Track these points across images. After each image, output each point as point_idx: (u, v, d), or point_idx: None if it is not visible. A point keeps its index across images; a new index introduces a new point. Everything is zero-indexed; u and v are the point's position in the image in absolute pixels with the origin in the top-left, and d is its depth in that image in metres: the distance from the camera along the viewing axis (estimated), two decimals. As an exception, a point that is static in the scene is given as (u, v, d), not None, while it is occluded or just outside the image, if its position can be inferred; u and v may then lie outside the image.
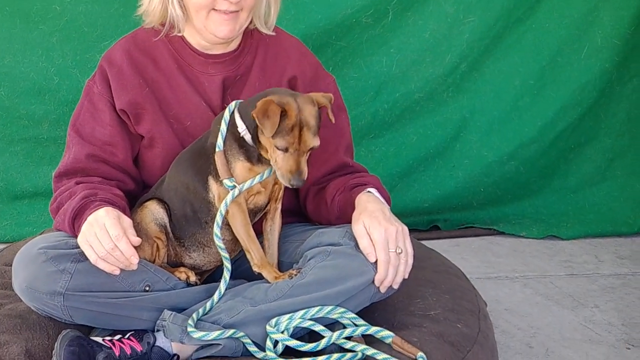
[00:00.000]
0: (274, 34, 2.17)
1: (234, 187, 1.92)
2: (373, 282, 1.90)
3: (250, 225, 1.98)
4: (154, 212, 2.04)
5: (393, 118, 3.44)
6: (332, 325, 1.91)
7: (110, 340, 1.89)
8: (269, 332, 1.86)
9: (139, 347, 1.88)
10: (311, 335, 1.92)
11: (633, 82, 3.56)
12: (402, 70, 3.39)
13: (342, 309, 1.89)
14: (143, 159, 2.18)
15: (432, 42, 3.39)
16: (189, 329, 1.86)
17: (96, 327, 1.98)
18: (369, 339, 1.91)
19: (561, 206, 3.59)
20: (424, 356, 1.84)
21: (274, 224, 2.06)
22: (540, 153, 3.55)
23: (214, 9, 2.03)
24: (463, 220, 3.52)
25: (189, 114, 2.13)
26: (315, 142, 1.85)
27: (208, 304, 1.93)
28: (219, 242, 1.96)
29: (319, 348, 1.86)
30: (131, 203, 2.11)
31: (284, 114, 1.82)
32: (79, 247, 1.90)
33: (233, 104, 1.98)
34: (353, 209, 2.00)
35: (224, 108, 2.13)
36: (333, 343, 1.87)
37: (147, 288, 1.95)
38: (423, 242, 2.68)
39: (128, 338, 1.91)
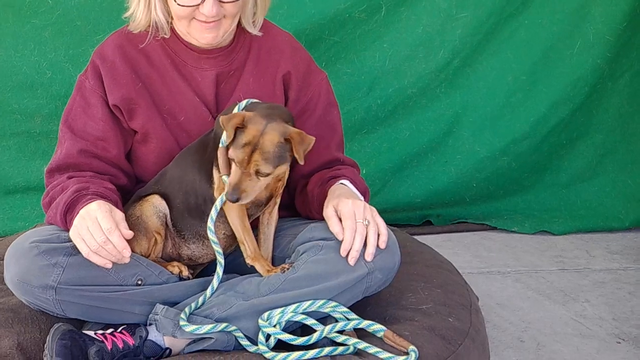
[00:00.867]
0: (260, 33, 2.16)
1: None
2: (366, 277, 1.89)
3: (246, 217, 1.99)
4: (156, 205, 2.03)
5: (386, 113, 3.44)
6: (324, 319, 1.91)
7: (102, 334, 1.88)
8: (261, 325, 1.87)
9: (131, 341, 1.89)
10: (303, 329, 1.93)
11: (625, 78, 3.58)
12: (395, 65, 3.39)
13: (334, 303, 1.90)
14: (136, 154, 2.18)
15: (425, 37, 3.39)
16: (181, 322, 1.86)
17: (88, 321, 1.98)
18: (360, 333, 1.92)
19: (553, 201, 3.61)
20: (416, 350, 1.85)
21: (271, 218, 2.07)
22: (533, 149, 3.57)
23: (194, 18, 2.03)
24: (455, 215, 3.53)
25: (183, 109, 2.13)
26: (265, 168, 1.84)
27: (200, 299, 1.94)
28: (212, 236, 1.96)
29: (311, 342, 1.87)
30: (124, 198, 2.10)
31: (243, 128, 1.83)
32: (71, 241, 1.89)
33: (244, 102, 1.99)
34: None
35: (217, 103, 2.14)
36: (325, 337, 1.88)
37: (140, 282, 1.94)
38: (415, 237, 2.68)
39: (120, 332, 1.91)
